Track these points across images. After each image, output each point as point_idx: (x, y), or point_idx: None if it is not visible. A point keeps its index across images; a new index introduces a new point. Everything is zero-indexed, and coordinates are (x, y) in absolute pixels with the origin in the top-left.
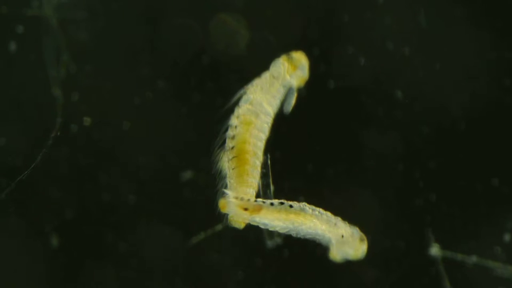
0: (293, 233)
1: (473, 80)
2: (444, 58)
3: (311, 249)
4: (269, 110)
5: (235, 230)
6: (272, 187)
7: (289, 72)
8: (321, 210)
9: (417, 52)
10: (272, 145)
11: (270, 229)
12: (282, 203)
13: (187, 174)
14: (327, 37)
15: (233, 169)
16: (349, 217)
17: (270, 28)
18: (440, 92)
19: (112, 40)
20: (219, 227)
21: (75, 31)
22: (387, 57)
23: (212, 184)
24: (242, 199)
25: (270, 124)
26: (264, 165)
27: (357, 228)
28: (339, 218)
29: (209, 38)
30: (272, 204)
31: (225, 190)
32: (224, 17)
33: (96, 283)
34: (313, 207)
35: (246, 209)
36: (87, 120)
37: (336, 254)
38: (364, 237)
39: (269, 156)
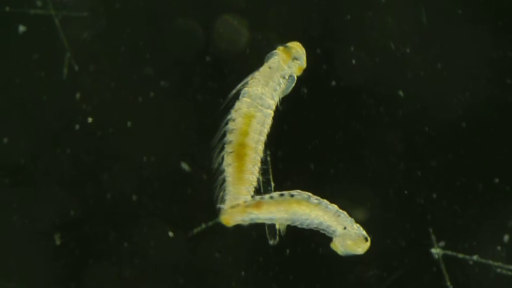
0: (298, 224)
1: (475, 79)
2: (446, 57)
3: (313, 248)
4: (270, 102)
5: (237, 228)
6: (272, 184)
7: (285, 61)
8: (326, 201)
9: (418, 52)
10: (274, 144)
11: (276, 223)
12: (282, 195)
13: (190, 172)
14: (328, 36)
15: (230, 164)
16: (351, 216)
17: (272, 27)
18: (442, 91)
19: (115, 39)
20: (216, 220)
21: (78, 31)
22: (389, 56)
23: (213, 181)
24: (239, 205)
25: (271, 118)
26: (265, 162)
27: (361, 227)
28: (344, 212)
29: (211, 38)
30: (271, 197)
31: (220, 205)
32: (226, 17)
33: (99, 281)
34: (318, 197)
35: (248, 207)
36: (89, 119)
37: (338, 244)
38: (367, 237)
39: (268, 152)
